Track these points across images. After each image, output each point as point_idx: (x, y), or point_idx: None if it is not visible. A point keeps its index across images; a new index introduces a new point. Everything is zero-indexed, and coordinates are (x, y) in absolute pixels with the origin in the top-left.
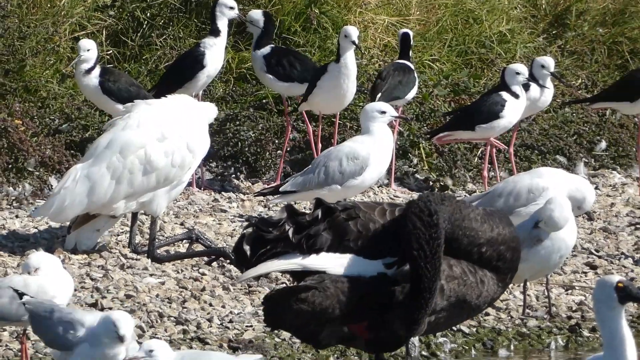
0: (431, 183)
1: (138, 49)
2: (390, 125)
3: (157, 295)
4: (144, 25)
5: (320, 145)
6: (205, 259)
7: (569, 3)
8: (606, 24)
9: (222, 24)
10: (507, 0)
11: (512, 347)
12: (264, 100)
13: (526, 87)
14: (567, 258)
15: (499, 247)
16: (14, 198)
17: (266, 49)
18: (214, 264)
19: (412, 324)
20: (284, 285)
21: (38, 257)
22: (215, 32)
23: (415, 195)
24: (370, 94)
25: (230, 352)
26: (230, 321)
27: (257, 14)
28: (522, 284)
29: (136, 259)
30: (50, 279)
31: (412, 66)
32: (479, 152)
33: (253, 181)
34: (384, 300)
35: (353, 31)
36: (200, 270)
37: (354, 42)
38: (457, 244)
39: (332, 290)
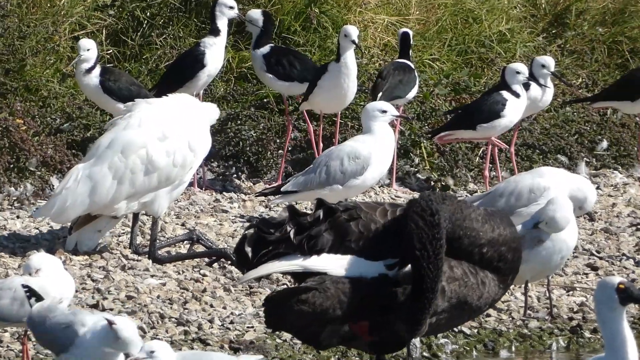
0: (432, 183)
1: (138, 48)
2: (392, 125)
3: (158, 296)
4: (144, 25)
5: (321, 144)
6: (207, 259)
7: (569, 2)
8: (606, 23)
9: (222, 24)
10: None
11: (513, 348)
12: (265, 100)
13: (526, 86)
14: (568, 259)
15: (500, 248)
16: (15, 198)
17: (265, 48)
18: (215, 265)
19: (415, 324)
20: (285, 286)
21: (39, 258)
22: (215, 32)
23: (416, 195)
24: (371, 93)
25: (232, 353)
26: (232, 322)
27: (256, 14)
28: (523, 285)
29: (137, 260)
30: (52, 280)
31: (412, 65)
32: (480, 151)
33: (254, 181)
34: (385, 301)
35: (353, 31)
36: (202, 271)
37: (354, 42)
38: (458, 244)
39: (333, 291)
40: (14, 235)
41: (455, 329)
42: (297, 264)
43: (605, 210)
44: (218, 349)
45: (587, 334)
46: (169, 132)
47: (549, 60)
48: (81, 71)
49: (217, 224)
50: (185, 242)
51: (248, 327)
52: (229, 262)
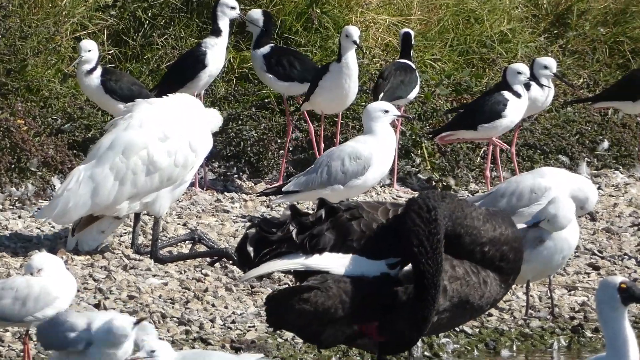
0: (434, 183)
1: (139, 48)
2: (393, 125)
3: (159, 296)
4: (146, 25)
5: (322, 145)
6: (208, 259)
7: (570, 3)
8: (607, 23)
9: (224, 24)
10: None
11: (514, 348)
12: (266, 100)
13: (527, 86)
14: (569, 259)
15: (502, 247)
16: (16, 198)
17: (266, 48)
18: (217, 264)
19: (420, 322)
20: (287, 285)
21: (41, 258)
22: (217, 32)
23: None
24: (372, 93)
25: (233, 352)
26: (233, 322)
27: (256, 13)
28: (524, 285)
29: (139, 260)
30: (53, 280)
31: (413, 66)
32: (482, 151)
33: (256, 181)
34: (387, 300)
35: (354, 31)
36: (203, 270)
37: (355, 42)
38: (459, 242)
39: (335, 291)
40: (15, 235)
41: (456, 328)
42: (299, 262)
43: (607, 210)
44: (219, 348)
45: (588, 334)
46: (170, 132)
47: (551, 62)
48: (82, 72)
49: (219, 224)
50: (186, 242)
51: (249, 327)
52: (231, 261)
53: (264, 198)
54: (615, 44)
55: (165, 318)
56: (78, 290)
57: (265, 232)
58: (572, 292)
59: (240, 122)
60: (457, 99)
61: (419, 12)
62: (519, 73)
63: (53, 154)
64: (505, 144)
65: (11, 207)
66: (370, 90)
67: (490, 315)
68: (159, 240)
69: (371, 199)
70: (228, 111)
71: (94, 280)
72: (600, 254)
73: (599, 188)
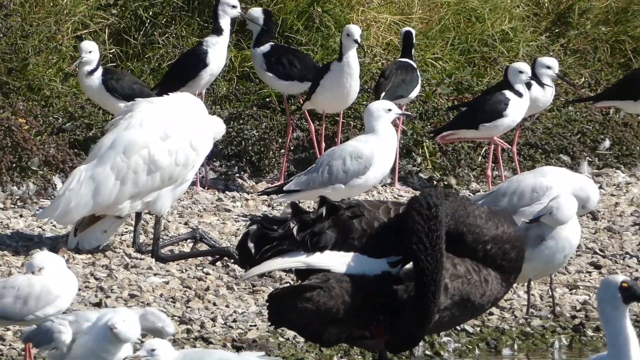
0: (435, 182)
1: (141, 47)
2: (394, 124)
3: (161, 295)
4: (147, 24)
5: (323, 144)
6: (209, 258)
7: (572, 1)
8: (609, 22)
9: (225, 23)
10: None
11: (515, 347)
12: (267, 99)
13: (527, 86)
14: (571, 258)
15: (504, 246)
16: (18, 197)
17: (266, 47)
18: (218, 263)
19: (422, 320)
20: (288, 284)
21: (42, 256)
22: (218, 31)
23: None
24: (374, 92)
25: (234, 351)
26: (234, 320)
27: (256, 12)
28: (526, 284)
29: (140, 259)
30: (55, 279)
31: (414, 65)
32: (483, 151)
33: (257, 180)
34: (388, 299)
35: (355, 30)
36: (204, 269)
37: (356, 41)
38: (462, 240)
39: (337, 290)
40: (17, 234)
41: (457, 327)
42: (300, 260)
43: (608, 210)
44: (221, 347)
45: (589, 333)
46: (171, 131)
47: (553, 62)
48: (83, 73)
49: (220, 223)
50: (188, 240)
51: (251, 326)
52: (232, 260)
53: (265, 197)
54: (617, 43)
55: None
56: (79, 289)
57: (267, 229)
58: (574, 291)
59: (241, 121)
60: (458, 98)
61: (420, 11)
62: (521, 72)
63: (54, 153)
64: (507, 143)
65: (12, 206)
66: (372, 90)
67: (491, 314)
68: (160, 239)
69: (372, 198)
70: (229, 110)
71: (96, 279)
72: (601, 253)
73: (600, 187)
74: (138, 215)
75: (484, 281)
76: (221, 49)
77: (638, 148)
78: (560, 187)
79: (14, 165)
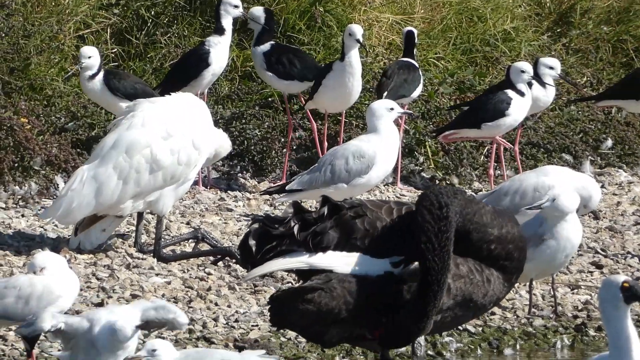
0: (437, 182)
1: (143, 47)
2: (396, 124)
3: (163, 295)
4: (149, 24)
5: (326, 143)
6: (211, 258)
7: (574, 1)
8: (611, 22)
9: (227, 23)
10: None
11: (518, 347)
12: (269, 99)
13: (528, 85)
14: (572, 257)
15: (508, 246)
16: (20, 197)
17: (266, 46)
18: (220, 263)
19: (421, 319)
20: (290, 284)
21: (44, 256)
22: (220, 31)
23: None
24: (376, 92)
25: (236, 351)
26: (236, 320)
27: (258, 11)
28: (528, 283)
29: (142, 259)
30: (56, 279)
31: (416, 64)
32: (485, 150)
33: (259, 180)
34: (390, 300)
35: (357, 29)
36: (206, 269)
37: (358, 41)
38: (468, 239)
39: (339, 291)
40: (18, 233)
41: (459, 327)
42: (302, 261)
43: (610, 209)
44: (223, 347)
45: (591, 332)
46: (173, 131)
47: (555, 62)
48: (85, 78)
49: (222, 223)
50: (190, 240)
51: (253, 326)
52: (234, 260)
53: (267, 197)
54: (619, 43)
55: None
56: (81, 289)
57: (268, 229)
58: (575, 290)
59: (243, 121)
60: (460, 98)
61: (422, 11)
62: (523, 72)
63: (56, 153)
64: (509, 143)
65: (14, 205)
66: (374, 89)
67: (493, 314)
68: (162, 239)
69: (374, 198)
70: (231, 110)
71: (97, 279)
72: (603, 253)
73: (602, 186)
74: (140, 215)
75: (487, 281)
76: (223, 49)
77: None
78: (563, 186)
79: (16, 164)
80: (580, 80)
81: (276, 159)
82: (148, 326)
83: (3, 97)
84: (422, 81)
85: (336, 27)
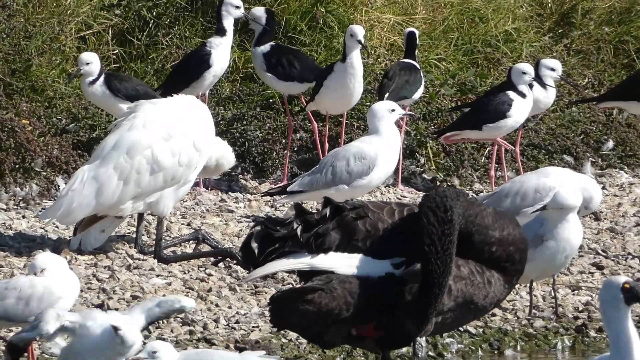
0: (438, 183)
1: (144, 48)
2: (397, 125)
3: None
4: (150, 25)
5: (327, 145)
6: (212, 259)
7: (575, 2)
8: (612, 22)
9: (228, 24)
10: None
11: (518, 348)
12: (270, 100)
13: (530, 87)
14: (573, 258)
15: (509, 248)
16: (21, 198)
17: (266, 47)
18: (221, 264)
19: (421, 320)
20: (291, 286)
21: (44, 257)
22: (221, 32)
23: (422, 195)
24: (377, 93)
25: (237, 352)
26: (237, 322)
27: (259, 11)
28: (528, 285)
29: (143, 260)
30: (57, 280)
31: (418, 65)
32: (486, 151)
33: (260, 181)
34: (391, 301)
35: (359, 30)
36: (207, 270)
37: (359, 42)
38: (469, 241)
39: (339, 292)
40: (19, 235)
41: (460, 328)
42: (304, 262)
43: (611, 210)
44: (223, 348)
45: (592, 333)
46: (174, 132)
47: (557, 64)
48: (85, 83)
49: (223, 224)
50: (190, 241)
51: (253, 327)
52: (235, 261)
53: (268, 198)
54: (620, 44)
55: (169, 318)
56: (82, 290)
57: (270, 230)
58: (576, 291)
59: (244, 122)
60: (461, 99)
61: (424, 12)
62: (524, 73)
63: (57, 154)
64: (510, 144)
65: (15, 207)
66: (375, 90)
67: (494, 315)
68: (163, 240)
69: (375, 199)
70: (232, 111)
71: (98, 280)
72: (604, 254)
73: (603, 188)
74: (141, 216)
75: (487, 283)
76: (225, 50)
77: None
78: (564, 187)
79: (17, 166)
80: (582, 81)
81: (277, 160)
82: (158, 320)
83: (4, 98)
84: (423, 82)
85: (337, 28)
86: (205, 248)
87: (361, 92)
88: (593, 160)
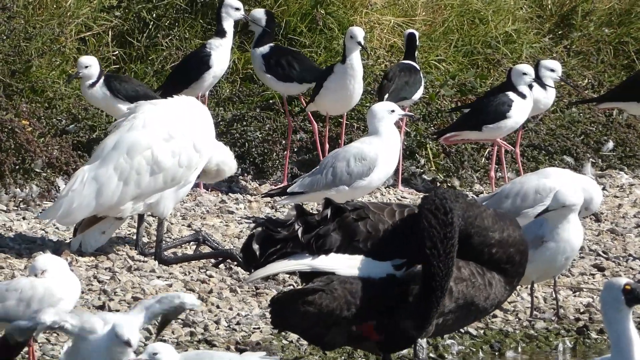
0: (438, 184)
1: (144, 49)
2: (397, 126)
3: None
4: (150, 26)
5: (327, 146)
6: (213, 260)
7: (575, 3)
8: (612, 24)
9: (228, 25)
10: (513, 0)
11: (519, 349)
12: (270, 101)
13: (529, 87)
14: (574, 260)
15: (509, 249)
16: (21, 199)
17: (265, 48)
18: (222, 265)
19: (422, 322)
20: (292, 287)
21: (45, 259)
22: (221, 33)
23: (422, 196)
24: (377, 94)
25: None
26: (238, 323)
27: (259, 13)
28: (529, 286)
29: (143, 261)
30: (57, 282)
31: (417, 67)
32: (486, 152)
33: (260, 182)
34: (392, 302)
35: (359, 32)
36: (208, 272)
37: (359, 43)
38: (469, 242)
39: (340, 292)
40: (20, 236)
41: (461, 329)
42: (305, 263)
43: (612, 211)
44: (224, 350)
45: (593, 335)
46: (174, 133)
47: (557, 65)
48: (85, 86)
49: (223, 225)
50: (191, 243)
51: (254, 328)
52: (235, 263)
53: (268, 199)
54: (620, 45)
55: (172, 319)
56: (82, 292)
57: (271, 231)
58: (577, 293)
59: (244, 123)
60: (461, 100)
61: (424, 13)
62: (525, 74)
63: (57, 155)
64: (510, 145)
65: (15, 208)
66: (375, 91)
67: (495, 316)
68: (163, 242)
69: (375, 200)
70: (232, 112)
71: (99, 281)
72: (605, 255)
73: (603, 189)
74: (141, 218)
75: (488, 284)
76: (224, 51)
77: None
78: (565, 186)
79: (17, 167)
80: (582, 82)
81: (277, 161)
82: (161, 318)
83: (4, 99)
84: (423, 83)
85: (337, 30)
86: (205, 249)
87: (361, 93)
88: (593, 161)
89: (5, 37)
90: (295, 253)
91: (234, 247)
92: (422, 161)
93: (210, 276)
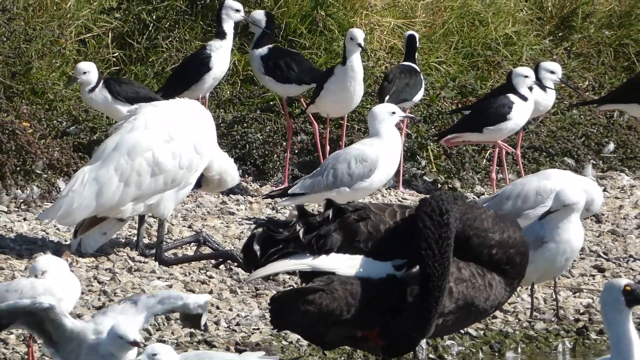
0: (439, 185)
1: (144, 51)
2: (398, 127)
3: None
4: (150, 28)
5: (328, 147)
6: (213, 261)
7: (575, 5)
8: (612, 26)
9: (228, 27)
10: (513, 2)
11: (519, 350)
12: (271, 102)
13: (530, 89)
14: (574, 261)
15: (509, 251)
16: (22, 201)
17: (263, 50)
18: (222, 266)
19: (422, 324)
20: (292, 287)
21: (45, 260)
22: (221, 35)
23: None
24: (378, 96)
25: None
26: (238, 324)
27: (259, 14)
28: (529, 287)
29: (144, 262)
30: (58, 282)
31: (418, 68)
32: (487, 154)
33: (261, 183)
34: (393, 302)
35: (359, 34)
36: (208, 273)
37: (360, 45)
38: (468, 244)
39: (340, 292)
40: (20, 237)
41: (461, 330)
42: (305, 263)
43: (612, 212)
44: (224, 350)
45: (593, 336)
46: (175, 134)
47: (557, 67)
48: (85, 91)
49: (224, 226)
50: (191, 244)
51: (254, 329)
52: (236, 264)
53: (269, 200)
54: (620, 47)
55: (170, 320)
56: (82, 293)
57: (272, 232)
58: (577, 294)
59: (245, 125)
60: (462, 102)
61: (424, 15)
62: (525, 76)
63: (58, 157)
64: (511, 147)
65: (16, 209)
66: (376, 93)
67: (494, 317)
68: (164, 243)
69: (376, 201)
70: (233, 114)
71: (99, 282)
72: (605, 256)
73: (604, 190)
74: (141, 219)
75: (488, 285)
76: (224, 53)
77: None
78: (566, 186)
79: (18, 168)
80: (582, 84)
81: (278, 163)
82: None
83: (5, 101)
84: (423, 85)
85: (337, 31)
86: (206, 250)
87: (361, 95)
88: (594, 162)
89: (5, 39)
90: (296, 253)
91: (234, 248)
92: (423, 163)
93: (211, 277)
